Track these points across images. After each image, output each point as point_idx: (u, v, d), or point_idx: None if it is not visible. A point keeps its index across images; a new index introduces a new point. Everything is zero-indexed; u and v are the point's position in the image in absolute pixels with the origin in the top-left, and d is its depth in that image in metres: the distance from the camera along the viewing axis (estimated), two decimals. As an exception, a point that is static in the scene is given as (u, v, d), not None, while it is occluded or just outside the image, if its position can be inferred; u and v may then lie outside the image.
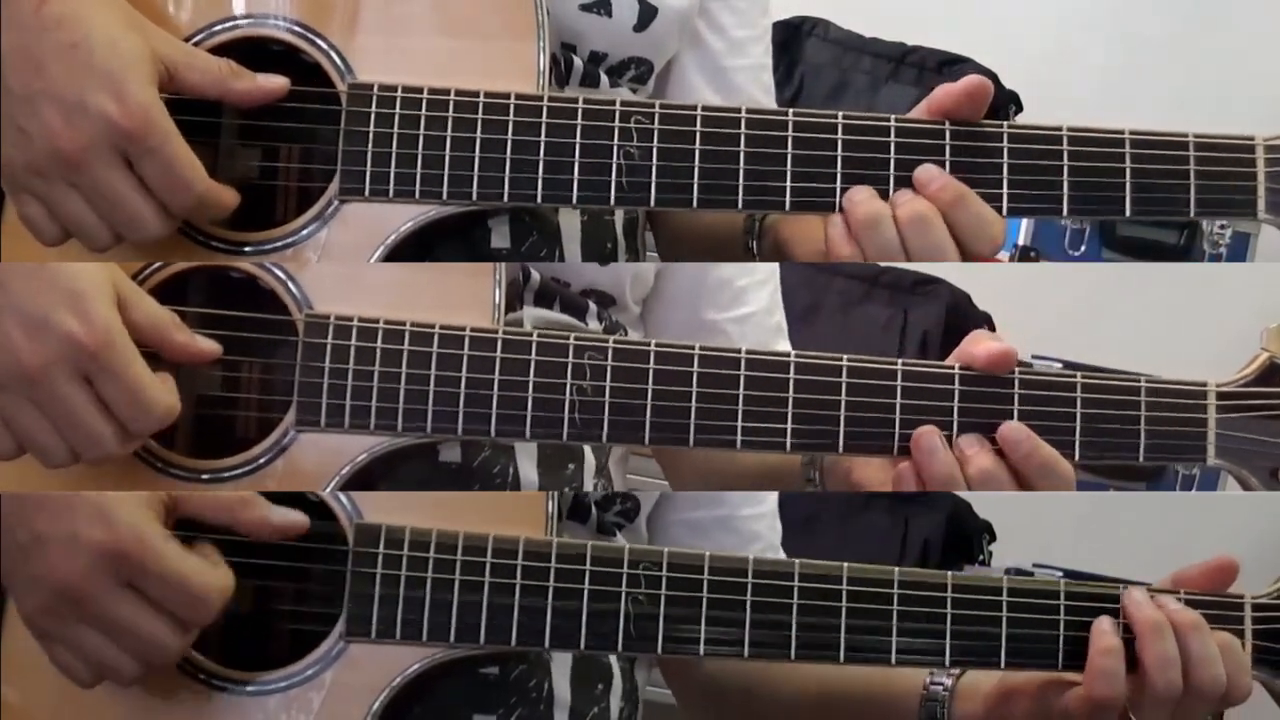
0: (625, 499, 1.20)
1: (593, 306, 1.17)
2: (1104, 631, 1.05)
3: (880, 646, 1.05)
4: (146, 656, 0.99)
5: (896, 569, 1.07)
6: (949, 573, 1.07)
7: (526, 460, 1.10)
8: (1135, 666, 1.05)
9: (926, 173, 1.05)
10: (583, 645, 1.04)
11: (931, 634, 1.06)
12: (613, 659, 1.15)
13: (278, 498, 1.05)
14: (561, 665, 1.11)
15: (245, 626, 1.06)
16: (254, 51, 1.07)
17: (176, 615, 0.99)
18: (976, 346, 1.05)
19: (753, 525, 1.28)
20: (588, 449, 1.15)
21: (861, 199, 1.04)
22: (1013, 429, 1.04)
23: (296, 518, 1.03)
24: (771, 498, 1.30)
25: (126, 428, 0.98)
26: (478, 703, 1.08)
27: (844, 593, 1.05)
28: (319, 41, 1.07)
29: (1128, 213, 1.06)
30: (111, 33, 0.98)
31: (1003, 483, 1.03)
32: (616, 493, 1.20)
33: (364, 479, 1.05)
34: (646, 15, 1.18)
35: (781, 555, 1.28)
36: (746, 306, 1.29)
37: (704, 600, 1.04)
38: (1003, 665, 1.06)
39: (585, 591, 1.04)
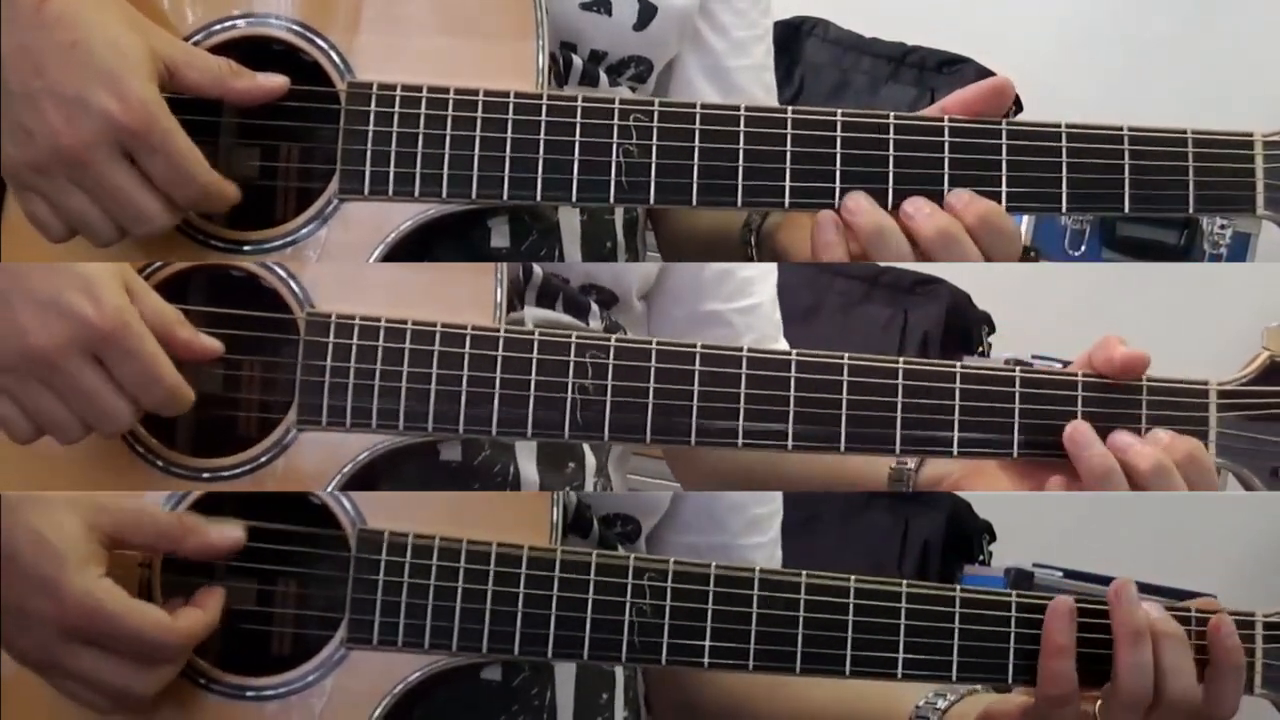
0: (626, 520, 1.20)
1: (594, 306, 1.17)
2: (1058, 629, 1.04)
3: (886, 661, 1.05)
4: (121, 697, 0.99)
5: (904, 582, 1.06)
6: (957, 587, 1.07)
7: (527, 459, 1.10)
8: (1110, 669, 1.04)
9: (958, 197, 1.04)
10: (586, 655, 1.03)
11: (939, 649, 1.05)
12: (616, 666, 1.15)
13: (281, 501, 1.05)
14: (564, 673, 1.11)
15: (245, 630, 1.06)
16: (254, 51, 1.07)
17: (139, 661, 0.99)
18: (1112, 350, 1.05)
19: (751, 555, 1.28)
20: (588, 448, 1.15)
21: (861, 209, 1.04)
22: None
23: (234, 534, 1.03)
24: (773, 528, 1.30)
25: (141, 404, 0.98)
26: (480, 710, 1.08)
27: (851, 605, 1.05)
28: (318, 41, 1.07)
29: (1126, 209, 1.06)
30: (111, 31, 0.99)
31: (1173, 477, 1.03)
32: (617, 514, 1.20)
33: (365, 478, 1.05)
34: (646, 14, 1.18)
35: None
36: (752, 298, 1.28)
37: (709, 612, 1.04)
38: (1010, 680, 1.06)
39: (589, 601, 1.03)
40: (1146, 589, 1.12)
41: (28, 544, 0.97)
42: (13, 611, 0.97)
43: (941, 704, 1.12)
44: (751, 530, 1.28)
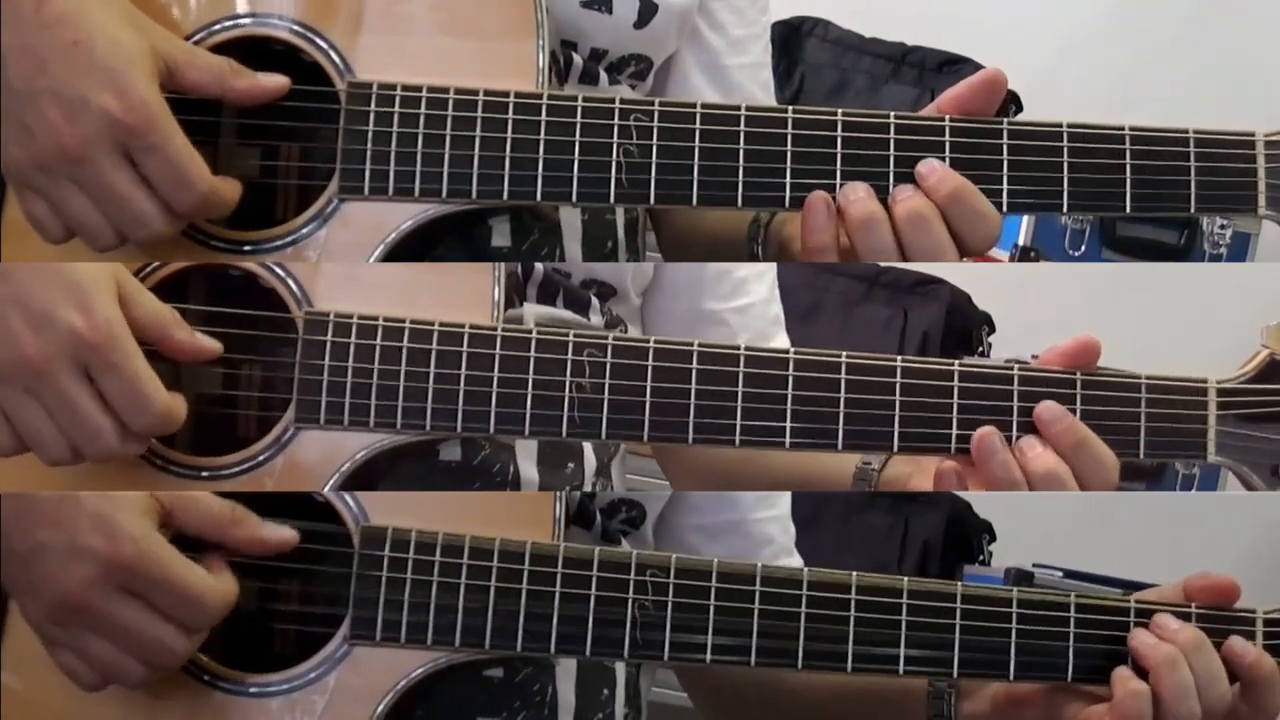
0: (631, 506, 1.20)
1: (595, 300, 1.17)
2: (1127, 675, 1.05)
3: (888, 657, 1.05)
4: (152, 659, 0.99)
5: (905, 579, 1.06)
6: (958, 583, 1.07)
7: (526, 459, 1.10)
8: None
9: (927, 165, 1.05)
10: (589, 651, 1.03)
11: (940, 645, 1.05)
12: (617, 662, 1.15)
13: (285, 498, 1.05)
14: (566, 669, 1.11)
15: (249, 627, 1.06)
16: (254, 51, 1.07)
17: (179, 620, 0.99)
18: (1059, 344, 1.06)
19: (765, 528, 1.28)
20: (589, 448, 1.15)
21: (858, 197, 1.04)
22: (1047, 408, 1.04)
23: (287, 534, 1.03)
24: (784, 500, 1.30)
25: (126, 423, 0.98)
26: (482, 706, 1.08)
27: (853, 602, 1.05)
28: (319, 41, 1.07)
29: (1128, 209, 1.06)
30: (112, 30, 0.99)
31: (1064, 480, 1.04)
32: (623, 500, 1.20)
33: (364, 477, 1.05)
34: (647, 12, 1.18)
35: (795, 557, 1.28)
36: (747, 297, 1.29)
37: (711, 608, 1.04)
38: (1011, 677, 1.06)
39: (592, 597, 1.03)
40: (1146, 589, 1.12)
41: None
42: (65, 548, 0.97)
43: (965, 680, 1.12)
44: (762, 504, 1.28)
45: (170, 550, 0.98)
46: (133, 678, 0.99)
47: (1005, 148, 1.06)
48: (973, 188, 1.04)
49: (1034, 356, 1.19)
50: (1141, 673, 1.04)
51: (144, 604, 0.98)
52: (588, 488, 1.15)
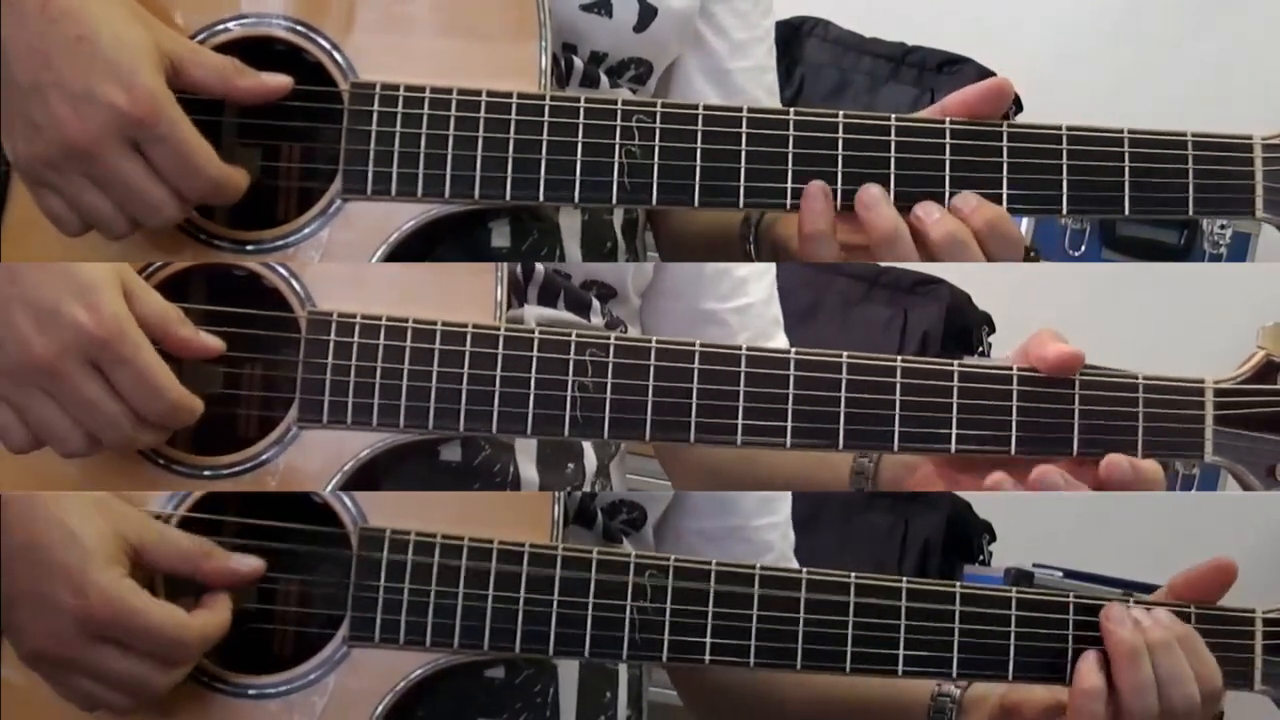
0: (632, 508, 1.20)
1: (595, 302, 1.17)
2: (1088, 671, 1.05)
3: (887, 658, 1.05)
4: (135, 695, 1.00)
5: (904, 579, 1.06)
6: (957, 583, 1.07)
7: (526, 459, 1.10)
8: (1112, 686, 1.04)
9: (965, 201, 1.05)
10: (587, 652, 1.04)
11: (939, 645, 1.05)
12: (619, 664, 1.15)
13: (282, 498, 1.05)
14: (567, 670, 1.11)
15: (248, 629, 1.06)
16: (256, 50, 1.07)
17: (159, 659, 0.99)
18: (1045, 348, 1.05)
19: (765, 535, 1.28)
20: (589, 448, 1.15)
21: (881, 210, 1.05)
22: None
23: (256, 564, 1.03)
24: (785, 507, 1.30)
25: (140, 413, 0.98)
26: (482, 707, 1.08)
27: (851, 603, 1.05)
28: (321, 41, 1.08)
29: (1127, 211, 1.07)
30: (117, 25, 0.99)
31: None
32: (624, 501, 1.20)
33: (366, 476, 1.05)
34: (646, 15, 1.18)
35: (793, 564, 1.28)
36: (746, 297, 1.29)
37: (710, 610, 1.04)
38: (1010, 677, 1.06)
39: (590, 599, 1.03)
40: (1146, 589, 1.13)
41: (58, 537, 0.97)
42: (34, 600, 0.97)
43: (964, 681, 1.12)
44: (763, 510, 1.28)
45: (142, 597, 0.98)
46: (121, 708, 1.00)
47: (1005, 150, 1.06)
48: (1005, 214, 1.05)
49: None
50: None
51: (122, 649, 0.98)
52: (588, 488, 1.15)
